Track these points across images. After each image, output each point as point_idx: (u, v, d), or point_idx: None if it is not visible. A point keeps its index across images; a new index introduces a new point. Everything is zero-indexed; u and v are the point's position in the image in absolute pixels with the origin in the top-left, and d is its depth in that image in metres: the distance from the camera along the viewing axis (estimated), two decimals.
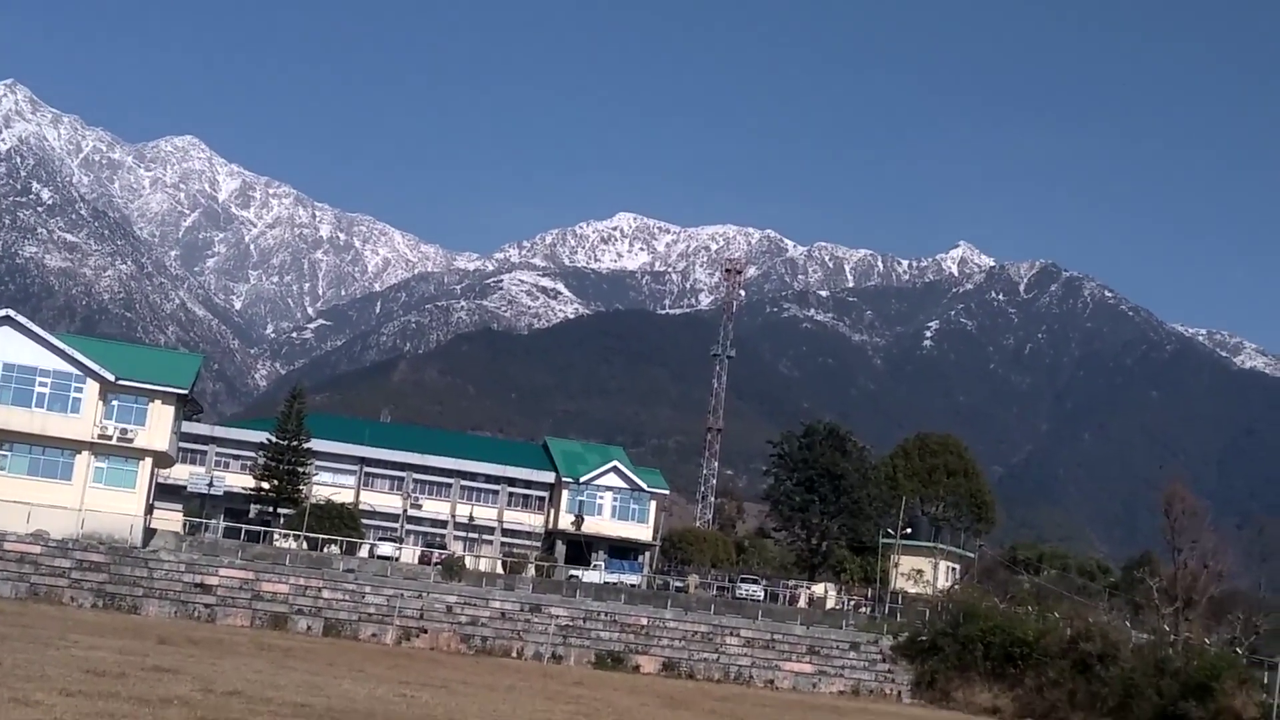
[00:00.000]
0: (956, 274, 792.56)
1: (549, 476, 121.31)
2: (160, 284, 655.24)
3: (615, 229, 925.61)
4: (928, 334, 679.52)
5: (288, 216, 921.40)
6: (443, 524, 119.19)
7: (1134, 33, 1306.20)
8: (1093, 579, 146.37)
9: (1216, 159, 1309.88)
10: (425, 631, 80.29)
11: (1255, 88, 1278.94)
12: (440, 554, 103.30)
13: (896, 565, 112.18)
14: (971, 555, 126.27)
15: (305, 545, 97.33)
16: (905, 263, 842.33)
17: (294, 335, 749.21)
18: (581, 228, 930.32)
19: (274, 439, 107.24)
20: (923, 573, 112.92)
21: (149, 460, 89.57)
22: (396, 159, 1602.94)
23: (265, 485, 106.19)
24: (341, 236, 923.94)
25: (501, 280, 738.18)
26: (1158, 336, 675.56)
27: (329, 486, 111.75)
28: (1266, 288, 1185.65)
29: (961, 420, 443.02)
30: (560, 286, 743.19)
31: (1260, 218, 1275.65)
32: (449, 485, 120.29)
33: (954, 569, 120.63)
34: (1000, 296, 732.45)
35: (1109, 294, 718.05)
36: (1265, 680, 69.48)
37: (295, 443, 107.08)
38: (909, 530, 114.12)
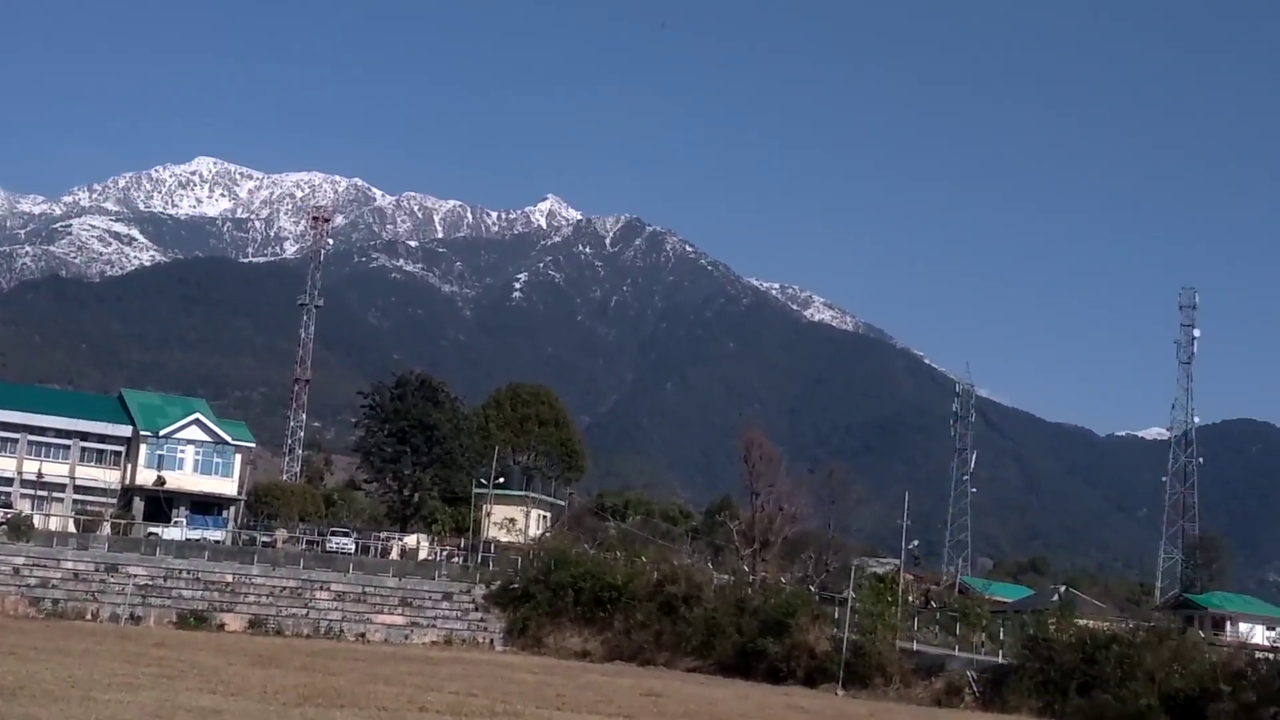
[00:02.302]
0: (545, 226, 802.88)
1: (125, 430, 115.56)
2: None
3: (194, 173, 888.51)
4: (517, 286, 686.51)
5: None
6: (8, 481, 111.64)
7: None
8: (676, 524, 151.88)
9: (784, 120, 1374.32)
10: None
11: (813, 45, 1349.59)
12: (5, 513, 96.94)
13: (489, 515, 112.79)
14: (562, 503, 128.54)
15: None
16: (495, 214, 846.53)
17: None
18: (158, 171, 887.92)
19: None
20: (515, 521, 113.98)
21: None
22: None
23: None
24: None
25: (70, 225, 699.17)
26: (735, 290, 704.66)
27: None
28: (833, 244, 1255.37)
29: (550, 371, 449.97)
30: (135, 233, 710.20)
31: (826, 176, 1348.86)
32: (14, 440, 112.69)
33: (545, 517, 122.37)
34: (587, 250, 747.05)
35: (690, 249, 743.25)
36: (835, 615, 73.43)
37: None
38: (501, 480, 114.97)
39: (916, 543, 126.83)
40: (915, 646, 71.27)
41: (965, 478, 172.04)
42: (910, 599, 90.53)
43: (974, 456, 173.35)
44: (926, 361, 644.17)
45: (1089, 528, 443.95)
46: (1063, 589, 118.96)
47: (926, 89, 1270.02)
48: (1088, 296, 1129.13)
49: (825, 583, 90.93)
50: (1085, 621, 72.14)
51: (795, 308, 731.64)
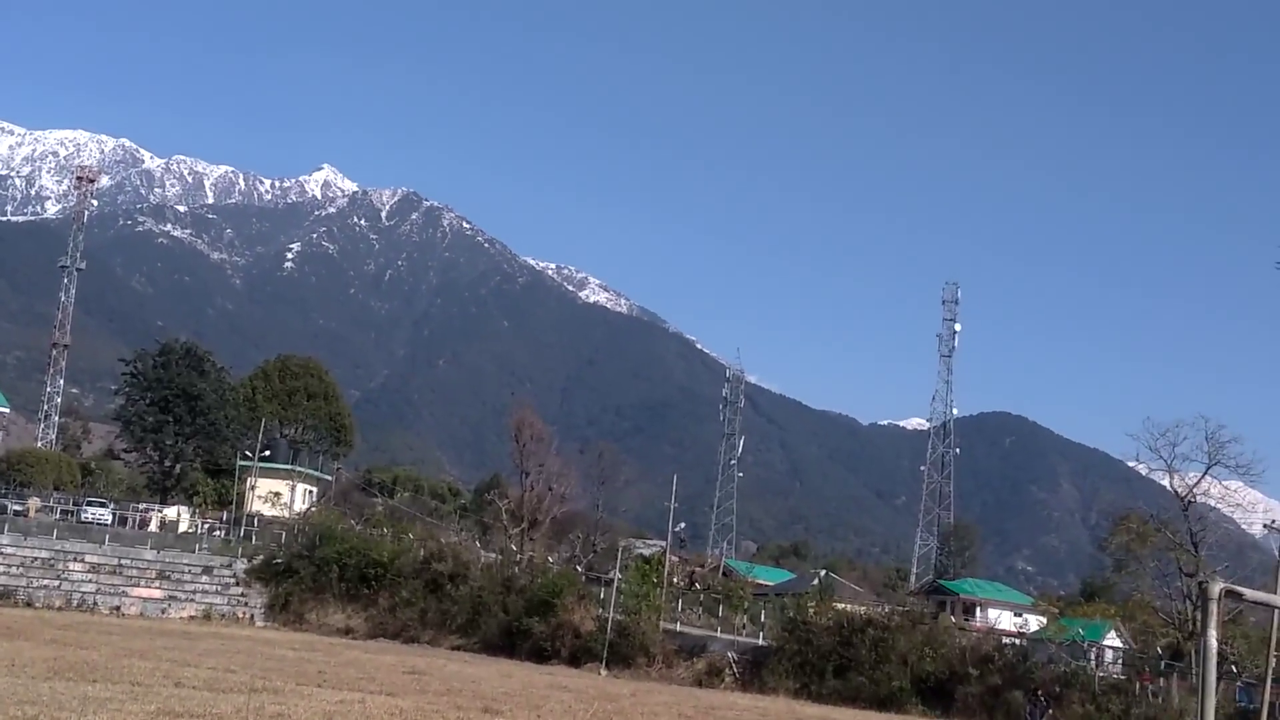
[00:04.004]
0: (320, 197, 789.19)
1: None
2: None
3: None
4: (289, 256, 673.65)
5: None
6: None
7: None
8: (445, 501, 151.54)
9: (565, 101, 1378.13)
10: None
11: (597, 26, 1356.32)
12: None
13: (254, 488, 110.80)
14: (329, 478, 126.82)
15: None
16: (268, 182, 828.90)
17: None
18: None
19: None
20: (280, 495, 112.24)
21: None
22: None
23: None
24: None
25: None
26: (511, 269, 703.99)
27: None
28: (610, 226, 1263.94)
29: (321, 344, 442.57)
30: None
31: (606, 158, 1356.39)
32: None
33: (312, 491, 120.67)
34: (363, 222, 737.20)
35: (467, 225, 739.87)
36: (601, 595, 74.21)
37: None
38: (267, 453, 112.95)
39: (683, 525, 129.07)
40: (679, 628, 72.51)
41: (733, 462, 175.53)
42: (675, 581, 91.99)
43: (742, 441, 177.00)
44: (699, 346, 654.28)
45: (850, 513, 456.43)
46: (823, 573, 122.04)
47: (701, 72, 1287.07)
48: (855, 288, 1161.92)
49: (593, 563, 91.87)
50: (843, 605, 74.27)
51: (571, 288, 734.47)
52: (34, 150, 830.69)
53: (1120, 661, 69.66)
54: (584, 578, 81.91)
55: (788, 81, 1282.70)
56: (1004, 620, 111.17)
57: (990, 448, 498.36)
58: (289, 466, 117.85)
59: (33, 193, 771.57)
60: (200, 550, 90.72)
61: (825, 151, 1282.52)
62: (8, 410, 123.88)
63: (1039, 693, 55.28)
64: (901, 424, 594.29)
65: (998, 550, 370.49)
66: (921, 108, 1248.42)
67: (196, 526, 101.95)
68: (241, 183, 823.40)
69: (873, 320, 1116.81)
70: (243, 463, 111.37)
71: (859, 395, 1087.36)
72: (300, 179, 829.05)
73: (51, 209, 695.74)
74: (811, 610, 68.33)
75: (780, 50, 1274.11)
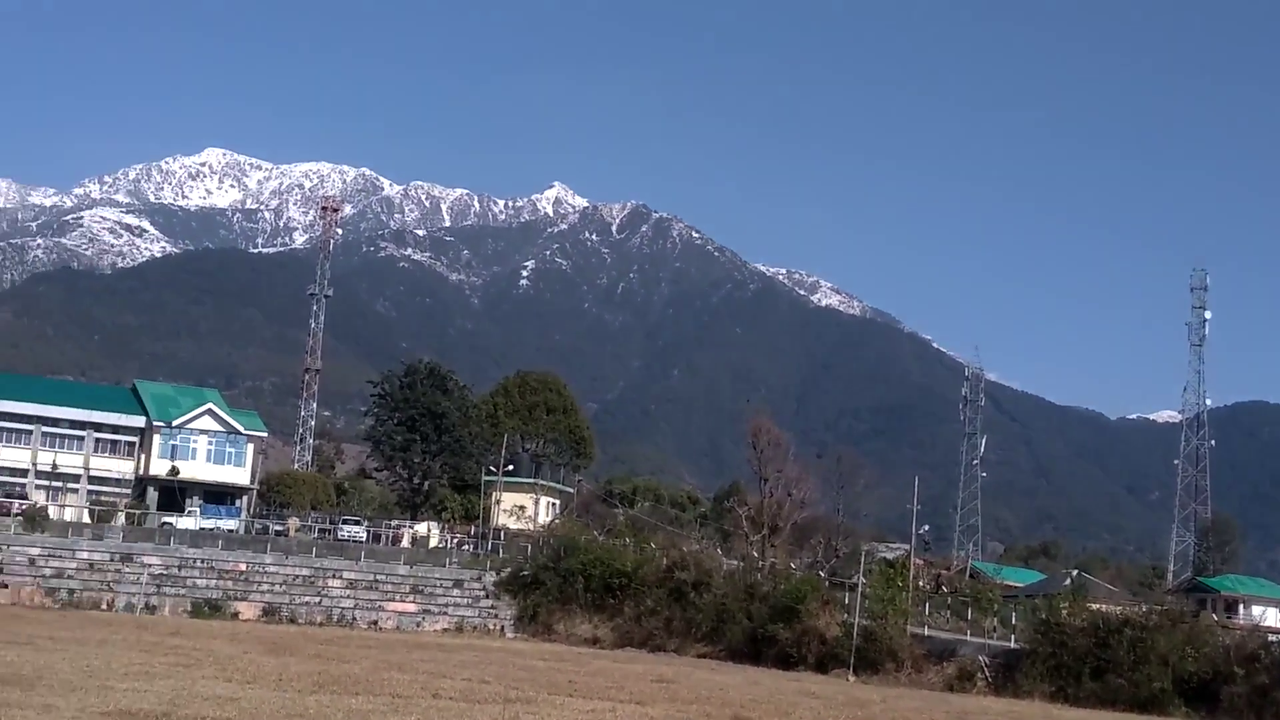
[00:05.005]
0: (552, 214, 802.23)
1: (139, 421, 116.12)
2: None
3: (204, 165, 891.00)
4: (524, 274, 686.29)
5: None
6: (23, 473, 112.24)
7: None
8: (684, 510, 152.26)
9: (790, 107, 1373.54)
10: (6, 586, 76.11)
11: (817, 35, 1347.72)
12: (20, 504, 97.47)
13: (498, 502, 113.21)
14: (571, 490, 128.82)
15: None
16: (501, 202, 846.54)
17: None
18: (168, 163, 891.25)
19: None
20: (524, 509, 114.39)
21: None
22: None
23: None
24: None
25: (82, 217, 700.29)
26: (741, 276, 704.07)
27: None
28: (841, 229, 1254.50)
29: (557, 359, 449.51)
30: (146, 224, 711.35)
31: (833, 162, 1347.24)
32: (29, 432, 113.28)
33: (554, 504, 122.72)
34: (594, 237, 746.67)
35: (696, 235, 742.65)
36: (846, 600, 73.53)
37: None
38: (510, 467, 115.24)
39: (926, 528, 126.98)
40: (926, 632, 71.38)
41: (975, 462, 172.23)
42: (921, 584, 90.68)
43: (984, 441, 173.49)
44: (935, 345, 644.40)
45: (1100, 511, 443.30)
46: (1074, 573, 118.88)
47: (932, 78, 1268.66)
48: (1099, 278, 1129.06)
49: (835, 568, 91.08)
50: (1097, 605, 72.09)
51: (802, 293, 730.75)
52: (281, 184, 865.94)
53: None
54: (827, 583, 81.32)
55: (1016, 77, 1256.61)
56: (1269, 617, 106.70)
57: (1247, 439, 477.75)
58: (532, 480, 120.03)
59: (281, 224, 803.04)
60: (450, 564, 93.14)
61: (1061, 142, 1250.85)
62: (266, 435, 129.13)
63: None
64: (1151, 417, 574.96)
65: (1259, 545, 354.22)
66: (1168, 90, 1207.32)
67: (446, 541, 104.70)
68: (476, 204, 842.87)
69: (1117, 311, 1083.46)
70: (487, 478, 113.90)
71: (1105, 389, 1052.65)
72: (532, 198, 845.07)
73: (299, 239, 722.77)
74: (1064, 611, 66.45)
75: (1003, 50, 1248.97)
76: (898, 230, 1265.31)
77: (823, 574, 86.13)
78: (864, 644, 67.86)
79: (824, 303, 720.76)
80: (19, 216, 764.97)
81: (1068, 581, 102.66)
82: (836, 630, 70.84)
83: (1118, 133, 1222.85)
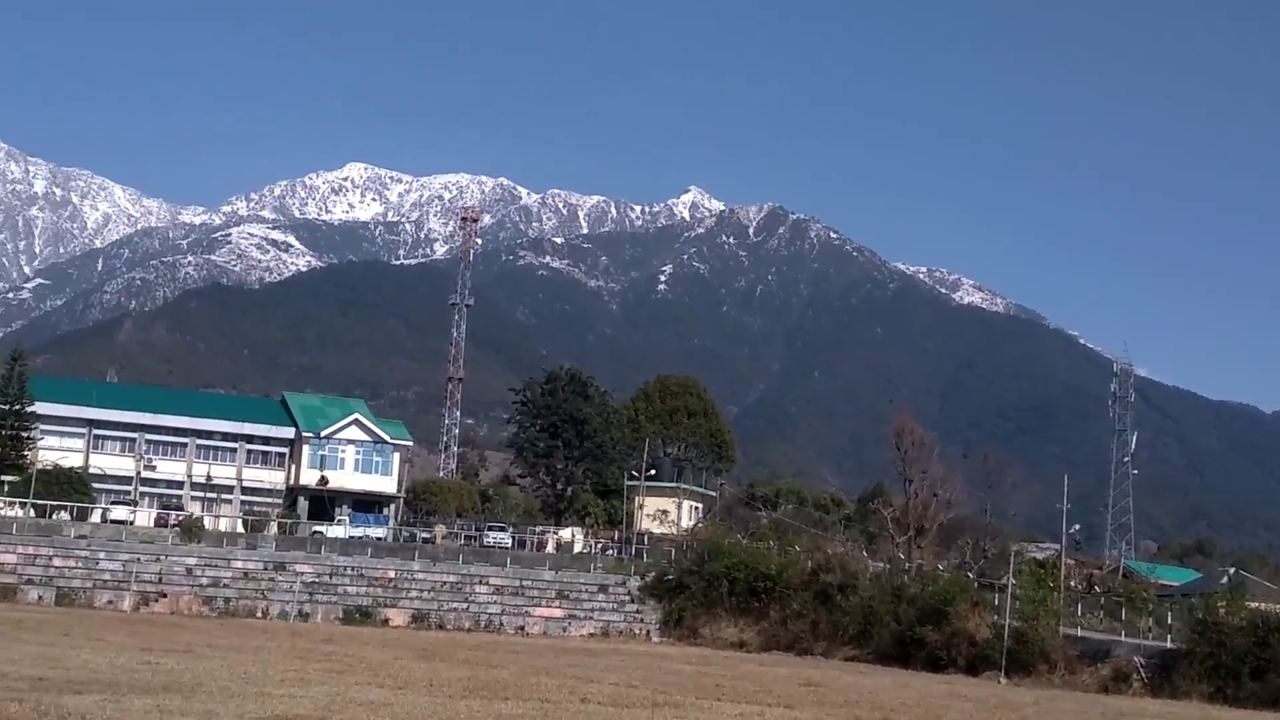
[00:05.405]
0: (688, 218, 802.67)
1: (288, 432, 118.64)
2: None
3: (346, 179, 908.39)
4: (661, 279, 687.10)
5: None
6: (179, 485, 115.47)
7: None
8: (828, 512, 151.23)
9: (926, 104, 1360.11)
10: (165, 595, 78.06)
11: (959, 30, 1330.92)
12: (177, 515, 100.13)
13: (641, 506, 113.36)
14: (713, 494, 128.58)
15: (32, 512, 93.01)
16: (638, 208, 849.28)
17: (10, 296, 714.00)
18: (311, 178, 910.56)
19: None
20: (667, 513, 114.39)
21: None
22: (114, 109, 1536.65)
23: None
24: (58, 192, 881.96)
25: (230, 234, 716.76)
26: (881, 275, 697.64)
27: (56, 451, 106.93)
28: (981, 226, 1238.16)
29: (696, 362, 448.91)
30: (291, 239, 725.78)
31: (971, 157, 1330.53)
32: (184, 445, 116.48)
33: (697, 508, 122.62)
34: (731, 240, 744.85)
35: (834, 235, 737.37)
36: (995, 601, 72.42)
37: (17, 407, 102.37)
38: (652, 471, 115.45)
39: (1077, 527, 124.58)
40: (1079, 633, 70.03)
41: (1126, 459, 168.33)
42: (1072, 584, 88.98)
43: (1134, 437, 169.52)
44: (1081, 341, 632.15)
45: (1256, 507, 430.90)
46: (1231, 571, 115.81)
47: (1072, 70, 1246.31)
48: (1251, 271, 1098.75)
49: (983, 569, 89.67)
50: (1257, 604, 70.14)
51: (944, 291, 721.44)
52: (421, 196, 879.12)
53: None
54: (976, 584, 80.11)
55: (1160, 73, 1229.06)
56: None
57: None
58: (674, 484, 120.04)
59: (421, 236, 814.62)
60: (595, 569, 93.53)
61: (1205, 130, 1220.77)
62: (411, 443, 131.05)
63: None
64: None
65: None
66: None
67: (590, 546, 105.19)
68: (613, 211, 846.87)
69: (1270, 304, 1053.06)
70: (630, 482, 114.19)
71: (1260, 383, 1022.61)
72: (669, 202, 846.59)
73: (439, 250, 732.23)
74: (1222, 610, 64.71)
75: (1150, 47, 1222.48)
76: (1041, 226, 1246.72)
77: (971, 575, 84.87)
78: (1015, 646, 66.76)
79: (966, 300, 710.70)
80: (170, 235, 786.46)
81: (1225, 580, 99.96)
82: (986, 632, 69.76)
83: (1272, 119, 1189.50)
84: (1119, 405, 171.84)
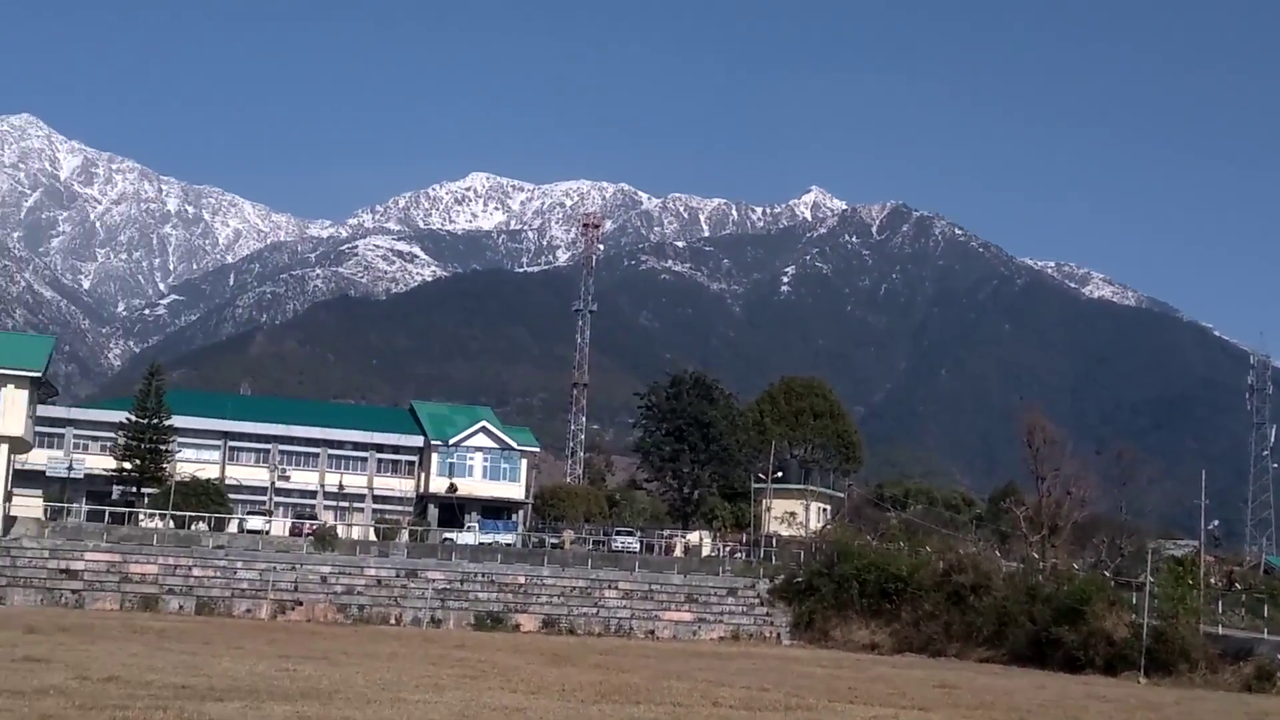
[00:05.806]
0: (810, 219, 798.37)
1: (417, 440, 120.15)
2: (4, 267, 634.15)
3: (469, 189, 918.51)
4: (784, 280, 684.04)
5: (133, 192, 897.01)
6: (312, 494, 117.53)
7: None
8: (959, 512, 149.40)
9: (1050, 98, 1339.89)
10: (301, 604, 79.33)
11: (1082, 25, 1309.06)
12: (311, 525, 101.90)
13: (769, 509, 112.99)
14: (841, 495, 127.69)
15: (172, 524, 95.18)
16: (759, 210, 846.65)
17: (147, 312, 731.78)
18: (435, 189, 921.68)
19: (133, 418, 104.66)
20: (795, 515, 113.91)
21: (4, 446, 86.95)
22: (243, 128, 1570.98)
23: (127, 465, 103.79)
24: (190, 209, 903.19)
25: (356, 246, 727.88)
26: (1008, 271, 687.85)
27: (193, 463, 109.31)
28: (1110, 219, 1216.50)
29: (821, 363, 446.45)
30: (416, 250, 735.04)
31: (1098, 149, 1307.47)
32: (316, 455, 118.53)
33: (825, 509, 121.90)
34: (854, 239, 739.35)
35: (959, 231, 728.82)
36: (1133, 600, 71.05)
37: (155, 420, 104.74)
38: (779, 474, 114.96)
39: (1216, 523, 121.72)
40: (1220, 631, 68.48)
41: (1265, 453, 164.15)
42: (1212, 581, 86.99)
43: (1273, 430, 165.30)
44: (1216, 334, 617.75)
45: None
46: None
47: (1199, 57, 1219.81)
48: None
49: (1119, 568, 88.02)
50: None
51: (1073, 285, 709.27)
52: (543, 204, 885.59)
53: None
54: (1112, 583, 78.65)
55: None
56: None
57: None
58: (801, 486, 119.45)
59: (544, 243, 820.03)
60: (723, 573, 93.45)
61: None
62: (538, 449, 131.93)
63: None
64: None
65: None
66: None
67: (718, 550, 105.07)
68: (734, 213, 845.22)
69: None
70: (756, 485, 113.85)
71: None
72: (790, 203, 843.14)
73: (562, 257, 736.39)
74: None
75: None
76: (1171, 217, 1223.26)
77: (1107, 574, 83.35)
78: (1154, 645, 65.48)
79: (1096, 294, 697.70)
80: (299, 249, 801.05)
81: None
82: (1124, 631, 68.45)
83: None
84: (1256, 398, 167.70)
